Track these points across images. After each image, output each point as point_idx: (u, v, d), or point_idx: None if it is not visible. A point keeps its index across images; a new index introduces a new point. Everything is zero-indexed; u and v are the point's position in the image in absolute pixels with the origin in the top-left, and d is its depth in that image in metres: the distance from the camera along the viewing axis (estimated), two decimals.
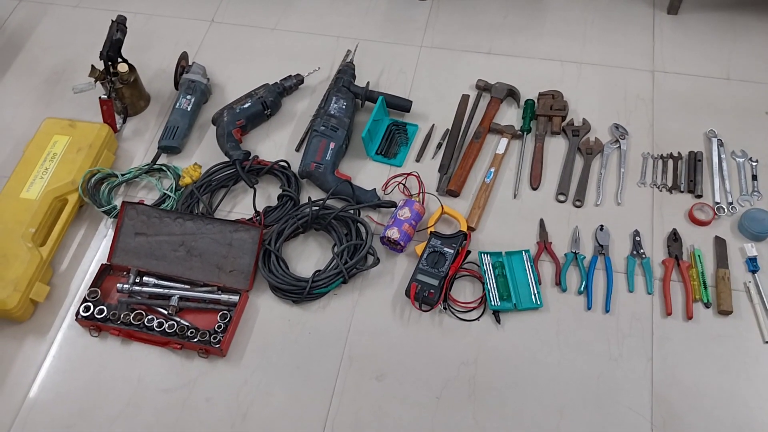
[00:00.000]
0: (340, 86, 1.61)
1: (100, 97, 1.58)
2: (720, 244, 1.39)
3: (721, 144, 1.53)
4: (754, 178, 1.48)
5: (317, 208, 1.43)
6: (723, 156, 1.51)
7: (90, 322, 1.35)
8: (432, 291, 1.34)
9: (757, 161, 1.51)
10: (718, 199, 1.45)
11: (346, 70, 1.65)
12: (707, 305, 1.32)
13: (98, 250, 1.48)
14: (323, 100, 1.62)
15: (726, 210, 1.44)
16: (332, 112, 1.56)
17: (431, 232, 1.42)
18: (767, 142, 1.55)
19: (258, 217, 1.45)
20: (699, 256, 1.37)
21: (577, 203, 1.48)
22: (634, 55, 1.72)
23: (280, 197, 1.50)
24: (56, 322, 1.38)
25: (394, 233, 1.39)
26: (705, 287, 1.34)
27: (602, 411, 1.23)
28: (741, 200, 1.45)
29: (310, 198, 1.47)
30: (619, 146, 1.55)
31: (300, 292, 1.36)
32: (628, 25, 1.79)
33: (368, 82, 1.65)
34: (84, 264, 1.46)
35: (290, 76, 1.68)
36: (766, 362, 1.26)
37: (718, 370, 1.26)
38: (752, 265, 1.36)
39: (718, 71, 1.67)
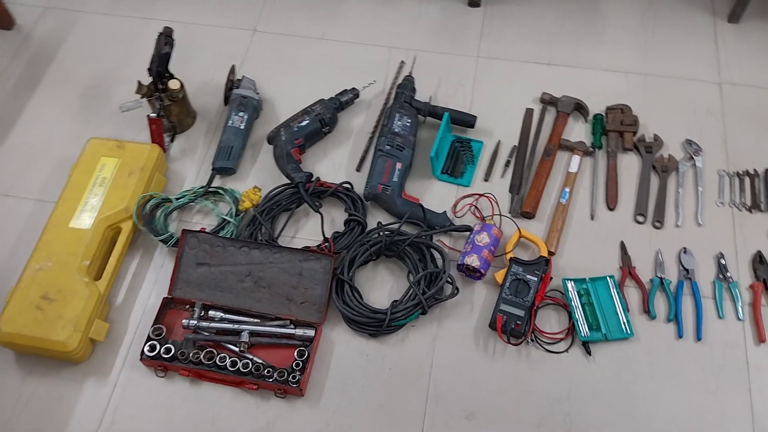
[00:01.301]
0: (402, 102, 1.53)
1: (148, 116, 1.48)
2: None
3: None
4: None
5: (390, 233, 1.36)
6: None
7: (156, 362, 1.27)
8: (518, 322, 1.28)
9: None
10: None
11: (407, 85, 1.57)
12: None
13: (155, 281, 1.39)
14: (384, 117, 1.54)
15: None
16: (396, 130, 1.49)
17: (511, 258, 1.35)
18: None
19: (327, 244, 1.37)
20: None
21: (657, 224, 1.43)
22: (699, 66, 1.67)
23: (347, 222, 1.42)
24: (117, 362, 1.30)
25: (473, 260, 1.32)
26: None
27: None
28: None
29: (380, 223, 1.40)
30: (694, 163, 1.50)
31: (377, 324, 1.29)
32: (689, 33, 1.73)
33: (430, 97, 1.57)
34: (142, 297, 1.37)
35: (346, 90, 1.59)
36: None
37: None
38: None
39: None
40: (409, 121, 1.51)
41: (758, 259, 1.36)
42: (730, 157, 1.52)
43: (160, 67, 1.48)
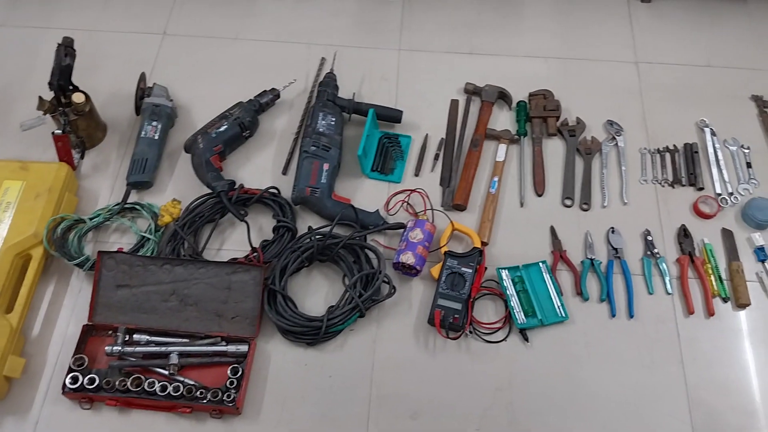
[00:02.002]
0: (325, 100, 1.49)
1: (53, 133, 1.38)
2: (728, 236, 1.40)
3: (713, 133, 1.54)
4: (749, 165, 1.50)
5: (321, 237, 1.32)
6: (717, 146, 1.52)
7: (80, 395, 1.19)
8: (456, 316, 1.27)
9: (749, 148, 1.52)
10: (719, 190, 1.46)
11: (329, 82, 1.53)
12: (725, 300, 1.33)
13: (74, 308, 1.30)
14: (308, 117, 1.49)
15: (728, 201, 1.45)
16: (321, 129, 1.44)
17: (445, 252, 1.34)
18: (755, 127, 1.57)
19: (255, 254, 1.32)
20: (711, 250, 1.37)
21: (584, 206, 1.44)
22: (616, 47, 1.70)
23: (275, 229, 1.37)
24: (38, 398, 1.21)
25: (408, 258, 1.30)
26: (721, 281, 1.34)
27: (643, 421, 1.21)
28: (740, 189, 1.47)
29: (310, 227, 1.36)
30: (616, 143, 1.52)
31: (314, 332, 1.25)
32: (605, 15, 1.76)
33: (354, 94, 1.53)
34: (60, 327, 1.28)
35: (265, 91, 1.54)
36: None
37: (747, 363, 1.26)
38: (761, 254, 1.37)
39: (698, 58, 1.68)
40: (334, 119, 1.47)
41: (683, 233, 1.40)
42: (651, 134, 1.55)
43: (61, 80, 1.38)
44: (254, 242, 1.35)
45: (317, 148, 1.42)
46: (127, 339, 1.25)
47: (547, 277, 1.33)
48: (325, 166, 1.41)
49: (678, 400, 1.23)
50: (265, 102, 1.52)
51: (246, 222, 1.36)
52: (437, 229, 1.39)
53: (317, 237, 1.33)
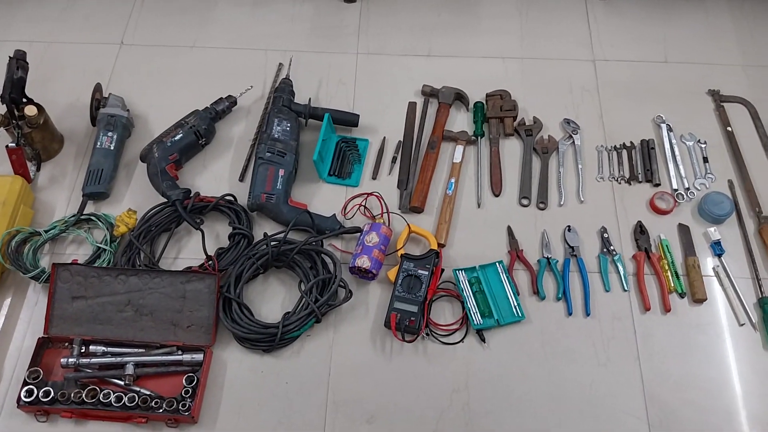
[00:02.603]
0: (280, 106, 1.49)
1: (7, 146, 1.38)
2: (684, 231, 1.41)
3: (670, 129, 1.54)
4: (705, 160, 1.51)
5: (276, 243, 1.32)
6: (674, 141, 1.52)
7: (35, 407, 1.18)
8: (412, 318, 1.27)
9: (705, 143, 1.53)
10: (675, 186, 1.47)
11: (284, 88, 1.53)
12: (682, 295, 1.33)
13: (30, 321, 1.30)
14: (263, 123, 1.49)
15: (685, 196, 1.45)
16: (276, 135, 1.44)
17: (402, 255, 1.34)
18: (711, 121, 1.57)
19: (211, 262, 1.32)
20: (667, 246, 1.38)
21: (541, 205, 1.44)
22: (573, 45, 1.70)
23: (231, 236, 1.37)
24: None
25: (364, 262, 1.30)
26: (677, 277, 1.34)
27: (599, 419, 1.21)
28: (697, 184, 1.47)
29: (266, 234, 1.35)
30: (573, 141, 1.53)
31: (270, 339, 1.25)
32: (562, 14, 1.77)
33: (310, 99, 1.53)
34: (16, 340, 1.28)
35: (221, 98, 1.53)
36: (743, 345, 1.28)
37: (703, 359, 1.27)
38: (717, 249, 1.38)
39: (655, 54, 1.69)
40: (289, 125, 1.47)
41: (639, 229, 1.40)
42: (607, 132, 1.56)
43: (13, 93, 1.38)
44: (211, 250, 1.35)
45: (272, 155, 1.42)
46: (83, 350, 1.25)
47: (503, 277, 1.34)
48: (281, 172, 1.41)
49: (634, 396, 1.23)
50: (221, 109, 1.52)
51: (201, 230, 1.35)
52: (394, 231, 1.40)
53: (272, 243, 1.33)
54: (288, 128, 1.46)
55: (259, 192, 1.39)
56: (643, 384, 1.24)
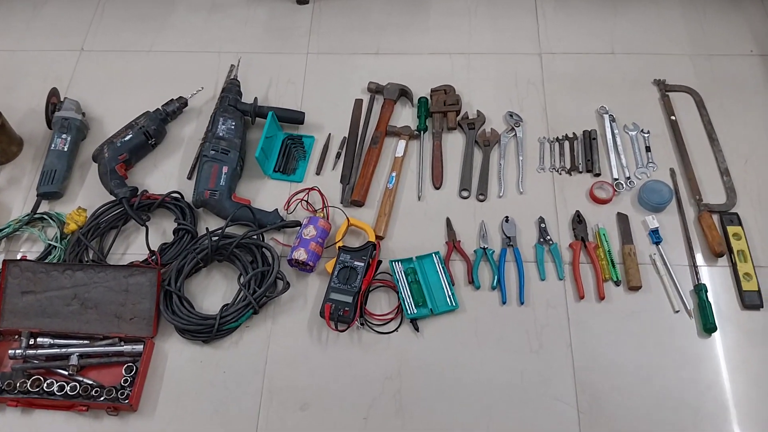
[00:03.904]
0: (227, 105, 1.53)
1: None
2: (623, 220, 1.42)
3: (612, 119, 1.55)
4: (648, 149, 1.51)
5: (217, 238, 1.36)
6: (616, 131, 1.53)
7: None
8: (347, 308, 1.30)
9: (648, 132, 1.54)
10: (616, 175, 1.48)
11: (231, 88, 1.57)
12: (617, 283, 1.34)
13: None
14: (210, 123, 1.54)
15: (624, 185, 1.46)
16: (221, 134, 1.49)
17: (339, 247, 1.37)
18: (656, 111, 1.58)
19: (154, 257, 1.36)
20: (604, 234, 1.39)
21: (481, 197, 1.46)
22: (521, 40, 1.72)
23: (175, 231, 1.41)
24: None
25: (301, 254, 1.33)
26: (613, 265, 1.35)
27: (530, 406, 1.23)
28: (638, 173, 1.48)
29: (207, 229, 1.40)
30: (515, 134, 1.55)
31: (209, 330, 1.28)
32: (512, 10, 1.78)
33: (256, 98, 1.57)
34: None
35: (172, 100, 1.58)
36: (678, 332, 1.29)
37: (635, 346, 1.27)
38: (655, 236, 1.38)
39: (602, 46, 1.70)
40: (234, 124, 1.51)
41: (576, 218, 1.42)
42: (551, 124, 1.57)
43: None
44: (155, 246, 1.39)
45: (216, 152, 1.46)
46: (31, 343, 1.30)
47: (439, 267, 1.36)
48: (224, 169, 1.45)
49: (565, 383, 1.24)
50: (171, 110, 1.57)
51: (146, 226, 1.40)
52: (335, 225, 1.43)
53: (213, 238, 1.37)
54: (233, 127, 1.50)
55: (202, 189, 1.43)
56: (574, 371, 1.25)
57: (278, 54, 1.72)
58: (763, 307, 1.30)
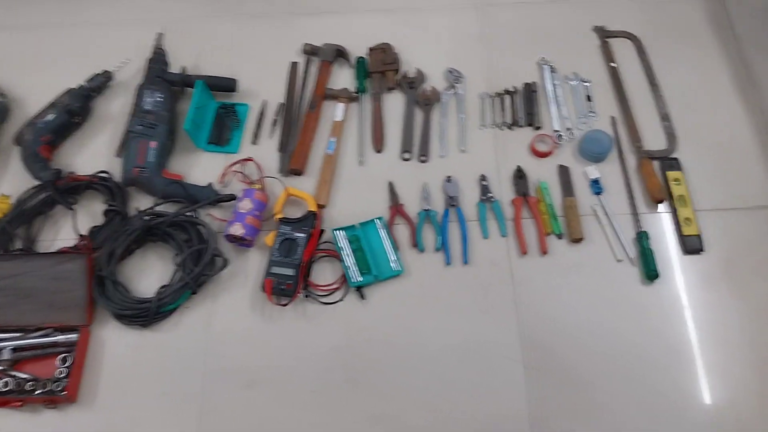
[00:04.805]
0: (152, 77, 1.46)
1: None
2: (564, 172, 1.40)
3: (553, 70, 1.52)
4: (589, 98, 1.49)
5: (148, 218, 1.31)
6: (557, 83, 1.50)
7: None
8: (289, 282, 1.26)
9: (589, 81, 1.51)
10: (557, 127, 1.45)
11: (156, 58, 1.49)
12: (560, 236, 1.33)
13: None
14: (135, 96, 1.46)
15: (565, 136, 1.44)
16: (147, 107, 1.42)
17: (279, 218, 1.33)
18: (597, 59, 1.55)
19: (84, 242, 1.30)
20: (545, 188, 1.37)
21: (423, 159, 1.43)
22: None
23: (105, 213, 1.35)
24: None
25: (237, 229, 1.29)
26: (555, 219, 1.34)
27: (479, 365, 1.22)
28: (579, 124, 1.46)
29: (137, 209, 1.34)
30: (456, 92, 1.51)
31: (146, 314, 1.24)
32: None
33: (184, 67, 1.50)
34: None
35: (97, 74, 1.50)
36: (621, 281, 1.29)
37: (579, 298, 1.27)
38: (596, 187, 1.37)
39: None
40: (161, 96, 1.43)
41: (517, 174, 1.40)
42: (492, 79, 1.53)
43: None
44: (87, 229, 1.33)
45: (143, 127, 1.39)
46: None
47: (382, 232, 1.33)
48: (152, 144, 1.38)
49: (511, 340, 1.24)
50: (96, 86, 1.49)
51: (73, 209, 1.34)
52: (273, 196, 1.38)
53: (144, 217, 1.31)
54: (160, 99, 1.43)
55: (130, 166, 1.37)
56: (519, 327, 1.25)
57: (207, 18, 1.64)
58: (703, 250, 1.31)
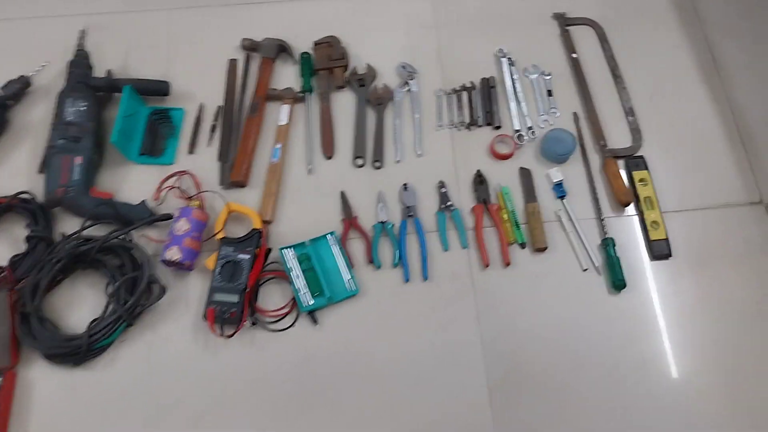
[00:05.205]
0: (74, 83, 1.31)
1: None
2: (525, 175, 1.32)
3: (511, 63, 1.43)
4: (549, 93, 1.40)
5: (74, 243, 1.18)
6: (515, 77, 1.41)
7: None
8: (233, 310, 1.16)
9: (550, 74, 1.42)
10: (517, 127, 1.36)
11: (78, 62, 1.34)
12: (522, 246, 1.26)
13: None
14: (56, 106, 1.31)
15: (526, 136, 1.36)
16: (69, 118, 1.28)
17: (220, 239, 1.22)
18: (557, 48, 1.46)
19: (4, 274, 1.18)
20: (507, 194, 1.29)
21: (377, 164, 1.33)
22: None
23: (28, 239, 1.22)
24: None
25: (173, 254, 1.18)
26: (518, 227, 1.27)
27: (440, 384, 1.15)
28: (540, 122, 1.38)
29: (64, 234, 1.21)
30: (410, 88, 1.40)
31: (78, 351, 1.13)
32: None
33: (109, 71, 1.35)
34: None
35: (11, 81, 1.35)
36: (587, 291, 1.23)
37: (545, 311, 1.21)
38: (559, 190, 1.30)
39: None
40: (85, 104, 1.29)
41: (477, 179, 1.31)
42: (447, 73, 1.43)
43: None
44: (7, 259, 1.20)
45: (66, 141, 1.26)
46: None
47: (335, 249, 1.24)
48: (77, 160, 1.25)
49: (475, 357, 1.17)
50: (11, 93, 1.34)
51: None
52: (215, 213, 1.27)
53: (71, 243, 1.19)
54: (83, 108, 1.29)
55: (54, 186, 1.23)
56: (482, 343, 1.18)
57: (135, 13, 1.48)
58: (671, 255, 1.25)
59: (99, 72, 1.37)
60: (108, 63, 1.40)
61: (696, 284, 1.23)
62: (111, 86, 1.33)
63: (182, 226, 1.20)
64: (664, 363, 1.17)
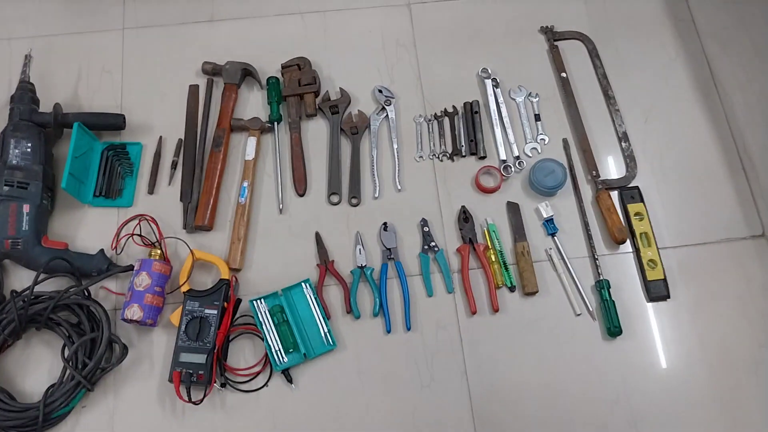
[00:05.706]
0: (17, 121, 1.19)
1: None
2: (513, 210, 1.23)
3: (496, 84, 1.32)
4: (537, 117, 1.30)
5: (24, 303, 1.08)
6: (501, 100, 1.31)
7: None
8: (201, 372, 1.08)
9: (537, 96, 1.32)
10: (504, 156, 1.27)
11: (22, 96, 1.22)
12: (512, 289, 1.18)
13: None
14: None
15: (513, 167, 1.26)
16: (14, 161, 1.16)
17: (185, 292, 1.13)
18: (545, 66, 1.36)
19: None
20: (494, 231, 1.21)
21: (354, 201, 1.23)
22: None
23: None
24: None
25: (134, 312, 1.08)
26: (506, 269, 1.18)
27: None
28: (528, 150, 1.28)
29: (13, 292, 1.11)
30: (387, 114, 1.30)
31: (34, 422, 1.04)
32: None
33: (57, 104, 1.23)
34: None
35: None
36: (582, 338, 1.15)
37: (536, 361, 1.13)
38: (550, 227, 1.21)
39: None
40: (30, 144, 1.18)
41: (462, 216, 1.22)
42: (427, 97, 1.32)
43: None
44: None
45: (11, 188, 1.14)
46: None
47: (311, 299, 1.15)
48: (26, 208, 1.14)
49: (462, 416, 1.10)
50: None
51: None
52: (179, 261, 1.17)
53: (20, 302, 1.09)
54: (28, 149, 1.17)
55: (1, 238, 1.12)
56: (471, 400, 1.11)
57: (86, 34, 1.36)
58: (669, 297, 1.18)
59: (46, 104, 1.25)
60: (56, 93, 1.28)
61: (695, 327, 1.16)
62: (59, 122, 1.21)
63: (143, 281, 1.10)
64: (663, 417, 1.11)
